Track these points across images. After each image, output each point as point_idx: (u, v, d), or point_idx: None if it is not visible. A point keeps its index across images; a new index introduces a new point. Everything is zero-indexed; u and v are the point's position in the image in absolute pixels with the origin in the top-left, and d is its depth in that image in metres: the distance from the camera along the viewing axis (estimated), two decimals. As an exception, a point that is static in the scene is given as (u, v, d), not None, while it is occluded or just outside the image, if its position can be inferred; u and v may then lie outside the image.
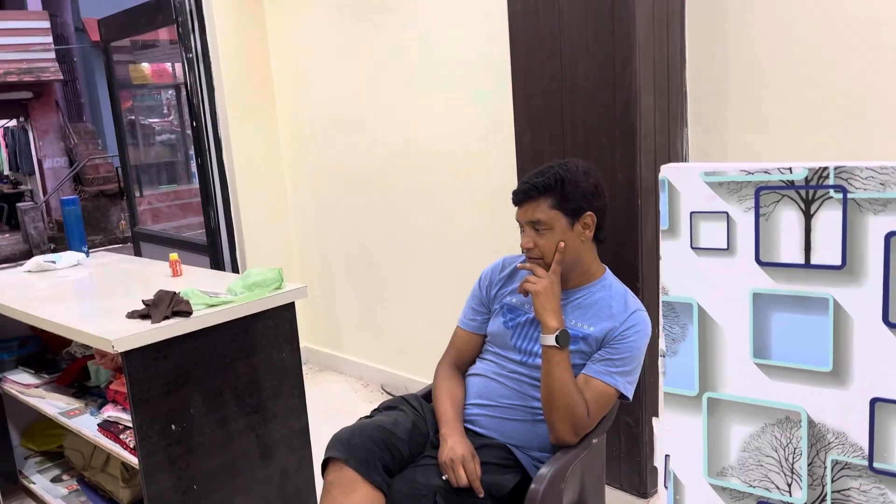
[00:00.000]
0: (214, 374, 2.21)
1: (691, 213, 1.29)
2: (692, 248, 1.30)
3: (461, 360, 1.98)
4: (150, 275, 2.82)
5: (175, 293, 2.19)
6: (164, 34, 4.70)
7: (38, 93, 12.77)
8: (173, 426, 2.12)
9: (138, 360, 2.03)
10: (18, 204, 11.64)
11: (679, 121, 2.44)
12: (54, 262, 2.98)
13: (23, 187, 13.17)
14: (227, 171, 3.75)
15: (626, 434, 2.47)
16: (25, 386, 2.69)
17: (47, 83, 12.73)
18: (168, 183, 6.50)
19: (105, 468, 2.68)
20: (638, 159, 2.24)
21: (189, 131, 3.90)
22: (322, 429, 2.80)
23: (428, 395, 1.96)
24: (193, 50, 3.61)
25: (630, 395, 1.78)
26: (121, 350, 1.98)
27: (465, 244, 3.14)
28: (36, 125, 13.01)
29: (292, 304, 2.39)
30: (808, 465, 1.22)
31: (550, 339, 1.70)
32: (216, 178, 3.74)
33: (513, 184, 1.95)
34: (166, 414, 2.11)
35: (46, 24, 12.22)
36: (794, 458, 1.23)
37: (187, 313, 2.12)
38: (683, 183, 1.30)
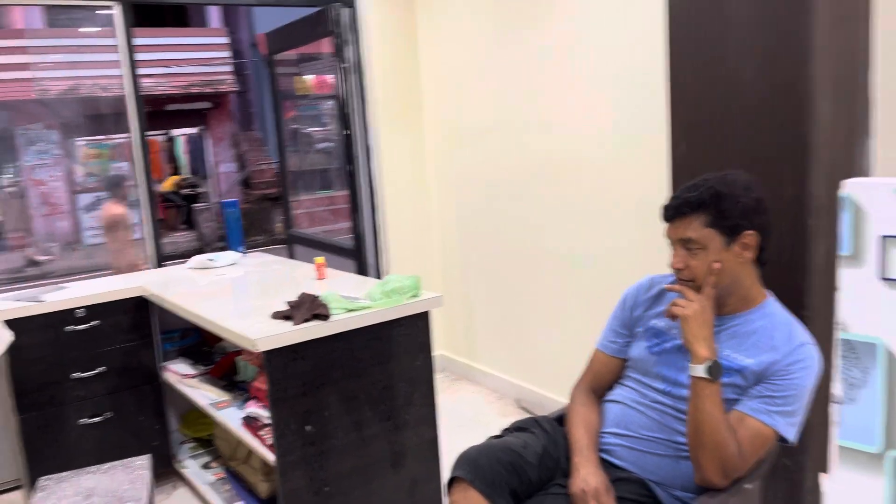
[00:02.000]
0: (350, 378, 2.23)
1: (882, 237, 1.10)
2: (881, 278, 1.11)
3: (599, 384, 1.85)
4: (298, 276, 2.92)
5: (316, 296, 2.24)
6: (326, 47, 4.91)
7: (216, 103, 13.93)
8: (308, 427, 2.16)
9: (278, 360, 2.09)
10: (193, 205, 12.72)
11: (861, 130, 2.16)
12: (213, 260, 3.17)
13: (200, 190, 14.38)
14: (375, 178, 3.83)
15: (786, 480, 2.22)
16: (183, 376, 2.87)
17: (224, 94, 13.86)
18: (324, 188, 6.81)
19: (248, 460, 2.80)
20: (810, 173, 2.00)
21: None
22: (452, 439, 2.75)
23: (562, 419, 1.85)
24: (349, 60, 3.73)
25: (791, 438, 1.58)
26: (262, 349, 2.04)
27: (610, 259, 2.99)
28: (212, 133, 14.19)
29: (427, 312, 2.37)
30: None
31: (700, 370, 1.54)
32: (364, 185, 3.83)
33: (663, 197, 1.80)
34: (302, 414, 2.15)
35: (225, 40, 13.30)
36: None
37: (326, 316, 2.15)
38: (872, 201, 1.11)
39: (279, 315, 2.21)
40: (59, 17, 11.24)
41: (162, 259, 3.44)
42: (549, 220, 3.30)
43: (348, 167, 3.82)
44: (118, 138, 14.26)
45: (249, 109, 15.10)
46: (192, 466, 3.04)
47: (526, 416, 2.08)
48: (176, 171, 14.70)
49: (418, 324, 2.36)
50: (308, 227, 5.74)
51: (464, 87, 3.69)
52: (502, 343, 3.76)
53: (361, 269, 3.87)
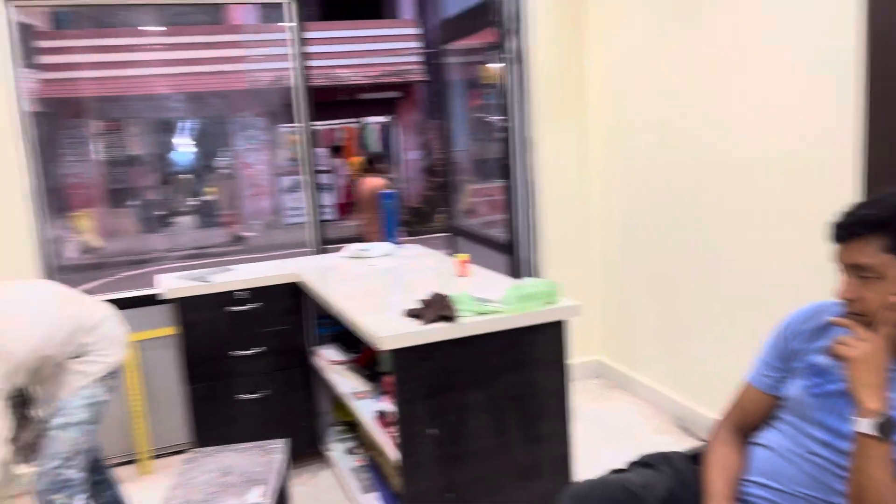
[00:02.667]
0: (478, 385, 2.15)
1: None
2: None
3: (746, 423, 1.60)
4: (443, 272, 2.89)
5: (446, 296, 2.18)
6: (493, 36, 4.84)
7: (406, 92, 14.48)
8: (432, 430, 2.11)
9: (404, 360, 2.06)
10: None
11: None
12: (367, 250, 3.23)
13: (390, 176, 15.09)
14: (533, 172, 3.70)
15: None
16: (331, 361, 2.96)
17: (412, 84, 14.35)
18: (497, 179, 6.79)
19: (385, 453, 2.82)
20: None
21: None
22: (597, 451, 2.59)
23: (698, 457, 1.63)
24: (511, 51, 3.62)
25: None
26: (385, 347, 2.02)
27: (791, 275, 2.63)
28: (401, 121, 14.78)
29: (564, 322, 2.22)
30: None
31: (867, 426, 1.26)
32: (521, 179, 3.72)
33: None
34: (427, 416, 2.10)
35: (416, 31, 13.74)
36: None
37: (451, 318, 2.08)
38: None
39: (411, 313, 2.18)
40: (272, 13, 12.23)
41: (336, 243, 3.56)
42: (722, 224, 2.97)
43: (504, 160, 3.72)
44: (317, 125, 15.37)
45: (435, 98, 15.52)
46: (337, 450, 3.14)
47: (684, 436, 1.86)
48: (368, 158, 15.51)
49: (553, 333, 2.21)
50: (478, 217, 5.73)
51: (633, 79, 3.44)
52: (664, 354, 3.48)
53: (515, 266, 3.77)
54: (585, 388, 3.75)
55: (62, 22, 11.34)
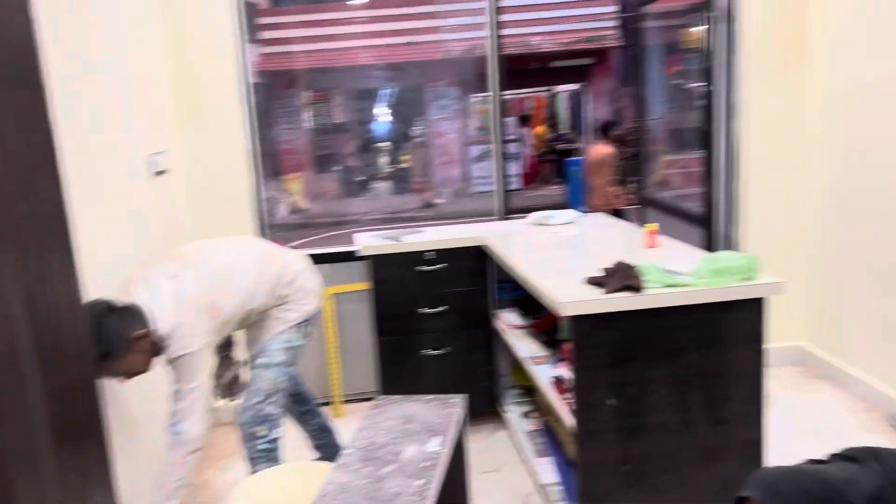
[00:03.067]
0: (661, 359, 2.07)
1: None
2: None
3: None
4: (629, 242, 2.79)
5: (632, 266, 2.11)
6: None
7: (599, 59, 14.05)
8: (611, 400, 2.07)
9: (585, 327, 2.03)
10: (567, 159, 13.16)
11: None
12: (551, 217, 3.21)
13: (575, 145, 14.80)
14: (738, 140, 3.43)
15: None
16: (510, 325, 3.00)
17: (606, 50, 13.89)
18: (695, 149, 6.40)
19: (560, 419, 2.82)
20: None
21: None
22: (792, 445, 2.43)
23: (916, 459, 1.44)
24: (719, 9, 3.36)
25: None
26: (566, 314, 2.00)
27: None
28: (592, 88, 14.40)
29: (763, 300, 2.05)
30: None
31: None
32: (722, 148, 3.47)
33: None
34: (606, 386, 2.07)
35: (613, -5, 13.25)
36: None
37: (638, 288, 2.01)
38: None
39: (593, 281, 2.13)
40: (468, -17, 12.40)
41: (521, 212, 3.58)
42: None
43: (706, 127, 3.49)
44: (507, 95, 15.42)
45: (632, 64, 14.91)
46: (513, 412, 3.18)
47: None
48: (554, 127, 15.33)
49: (751, 311, 2.06)
50: (671, 189, 5.46)
51: (868, 37, 3.04)
52: (881, 344, 3.11)
53: (710, 242, 3.55)
54: (782, 375, 3.47)
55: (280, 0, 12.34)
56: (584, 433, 2.09)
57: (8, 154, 1.34)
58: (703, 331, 2.06)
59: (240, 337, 2.57)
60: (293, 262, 2.41)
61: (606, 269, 2.16)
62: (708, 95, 3.46)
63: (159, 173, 2.93)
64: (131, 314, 1.98)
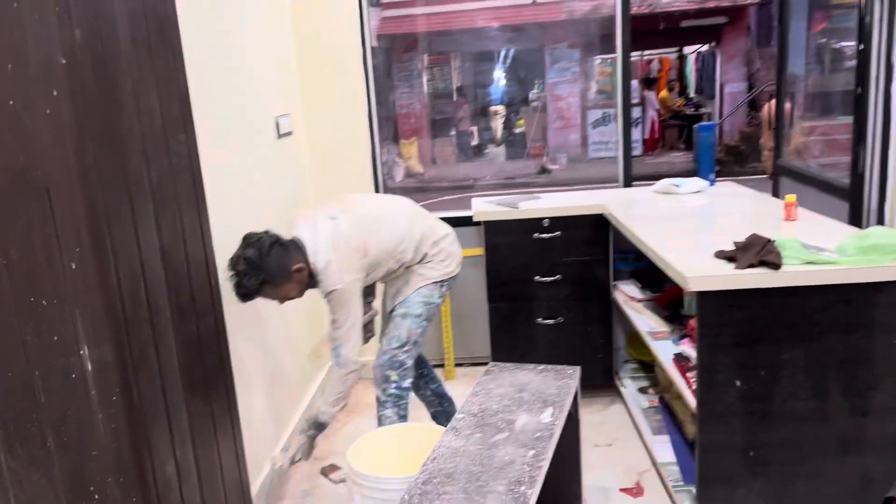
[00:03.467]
0: (797, 341, 1.92)
1: None
2: None
3: None
4: (764, 214, 2.61)
5: (769, 240, 1.95)
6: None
7: (733, 17, 13.17)
8: (738, 382, 1.95)
9: (712, 304, 1.91)
10: (695, 125, 12.51)
11: None
12: (678, 185, 3.05)
13: (703, 110, 14.05)
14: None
15: None
16: (630, 297, 2.89)
17: (742, 7, 12.99)
18: (841, 114, 5.87)
19: (681, 397, 2.70)
20: None
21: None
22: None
23: None
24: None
25: None
26: (694, 289, 1.89)
27: None
28: (723, 49, 13.54)
29: (920, 282, 1.85)
30: None
31: None
32: (878, 113, 3.14)
33: None
34: (733, 367, 1.95)
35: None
36: None
37: (776, 265, 1.86)
38: None
39: (723, 255, 2.00)
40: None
41: (643, 179, 3.43)
42: None
43: (857, 89, 3.17)
44: (632, 56, 14.79)
45: (770, 23, 13.87)
46: (629, 387, 3.09)
47: None
48: (682, 90, 14.59)
49: (905, 293, 1.87)
50: (811, 159, 5.05)
51: None
52: None
53: (856, 217, 3.25)
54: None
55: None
56: (706, 414, 1.98)
57: (151, 113, 1.41)
58: (848, 314, 1.89)
59: (380, 290, 2.70)
60: (440, 226, 2.56)
61: (738, 244, 2.02)
62: (862, 55, 3.13)
63: (284, 135, 3.01)
64: (294, 248, 2.22)
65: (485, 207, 3.10)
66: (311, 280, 2.27)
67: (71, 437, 1.20)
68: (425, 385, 2.76)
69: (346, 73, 3.33)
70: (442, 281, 2.49)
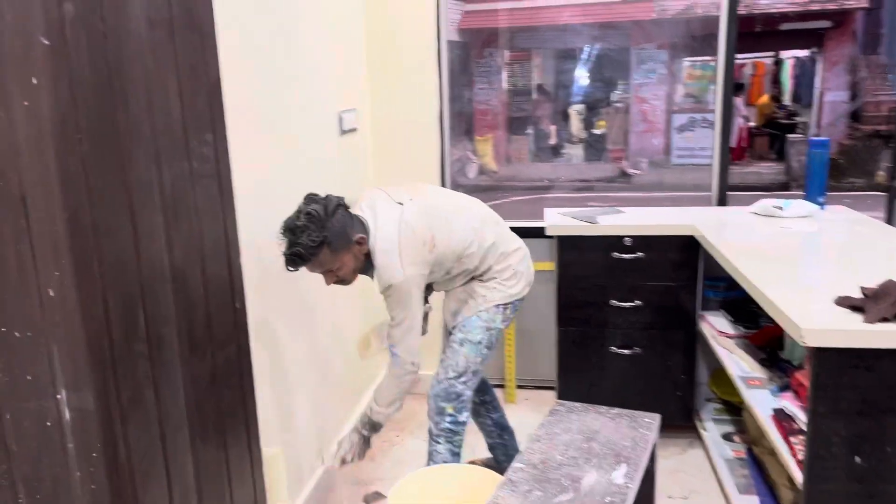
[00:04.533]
0: (938, 414, 1.57)
1: None
2: None
3: None
4: (891, 250, 2.23)
5: (909, 290, 1.61)
6: None
7: (838, 22, 12.31)
8: (858, 458, 1.62)
9: (832, 362, 1.58)
10: (789, 135, 11.74)
11: None
12: (781, 208, 2.68)
13: (797, 119, 13.22)
14: None
15: None
16: (719, 332, 2.56)
17: (848, 12, 12.11)
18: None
19: (775, 453, 2.35)
20: None
21: None
22: None
23: None
24: None
25: None
26: (812, 344, 1.57)
27: None
28: (826, 56, 12.68)
29: None
30: None
31: None
32: None
33: None
34: (853, 439, 1.61)
35: (865, -54, 11.45)
36: None
37: (918, 323, 1.52)
38: None
39: (846, 302, 1.66)
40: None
41: (729, 189, 3.07)
42: None
43: None
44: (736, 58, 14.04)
45: (878, 30, 12.93)
46: (712, 431, 2.75)
47: None
48: (777, 97, 13.78)
49: None
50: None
51: None
52: None
53: None
54: None
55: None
56: (813, 493, 1.66)
57: (167, 108, 1.19)
58: None
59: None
60: (512, 239, 2.28)
61: (867, 290, 1.68)
62: None
63: (348, 131, 2.80)
64: (358, 221, 2.03)
65: (559, 220, 2.82)
66: (368, 263, 2.04)
67: (45, 495, 1.01)
68: (486, 413, 2.50)
69: (419, 67, 3.10)
70: (506, 304, 2.21)
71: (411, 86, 3.11)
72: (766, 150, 12.31)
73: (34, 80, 0.86)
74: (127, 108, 1.03)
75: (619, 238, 2.69)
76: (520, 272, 2.24)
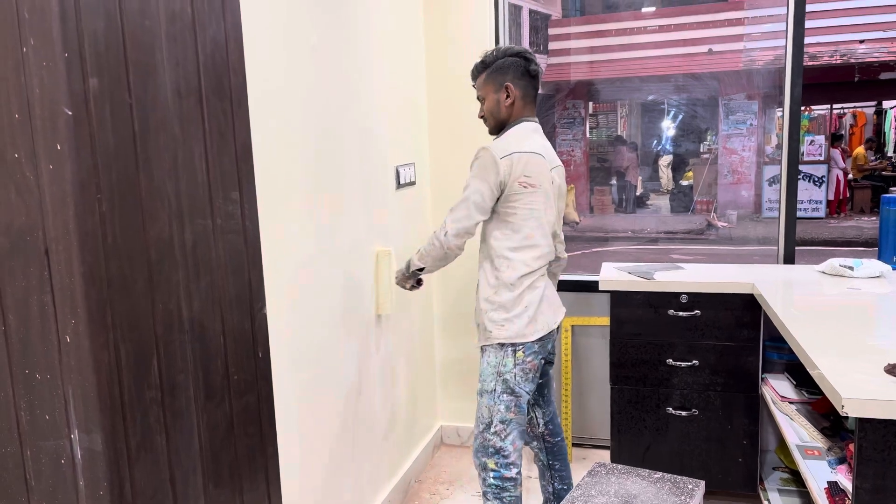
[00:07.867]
0: None
1: None
2: None
3: None
4: (965, 314, 2.07)
5: (965, 360, 1.49)
6: None
7: (946, 69, 11.64)
8: (910, 541, 1.49)
9: (877, 435, 1.49)
10: (893, 188, 11.11)
11: None
12: (851, 268, 2.55)
13: (902, 171, 12.49)
14: None
15: None
16: (781, 397, 2.43)
17: (958, 58, 11.44)
18: None
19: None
20: None
21: None
22: None
23: None
24: None
25: None
26: (852, 414, 1.48)
27: None
28: (934, 105, 11.99)
29: None
30: None
31: None
32: None
33: None
34: (904, 519, 1.49)
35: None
36: None
37: (972, 397, 1.41)
38: None
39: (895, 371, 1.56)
40: (778, -13, 11.10)
41: (822, 244, 2.94)
42: None
43: None
44: (819, 110, 13.50)
45: None
46: (776, 502, 2.59)
47: None
48: (880, 148, 13.11)
49: None
50: None
51: None
52: None
53: None
54: None
55: (571, 10, 12.23)
56: (863, 576, 1.54)
57: (191, 169, 1.28)
58: None
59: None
60: (557, 265, 2.42)
61: (922, 357, 1.57)
62: None
63: (405, 185, 2.89)
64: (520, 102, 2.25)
65: (613, 275, 2.78)
66: (499, 131, 2.26)
67: (60, 528, 1.07)
68: (549, 480, 2.43)
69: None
70: (507, 345, 2.10)
71: (473, 141, 3.15)
72: (866, 203, 11.67)
73: (58, 147, 0.97)
74: (150, 171, 1.12)
75: (676, 295, 2.62)
76: (525, 315, 2.10)
